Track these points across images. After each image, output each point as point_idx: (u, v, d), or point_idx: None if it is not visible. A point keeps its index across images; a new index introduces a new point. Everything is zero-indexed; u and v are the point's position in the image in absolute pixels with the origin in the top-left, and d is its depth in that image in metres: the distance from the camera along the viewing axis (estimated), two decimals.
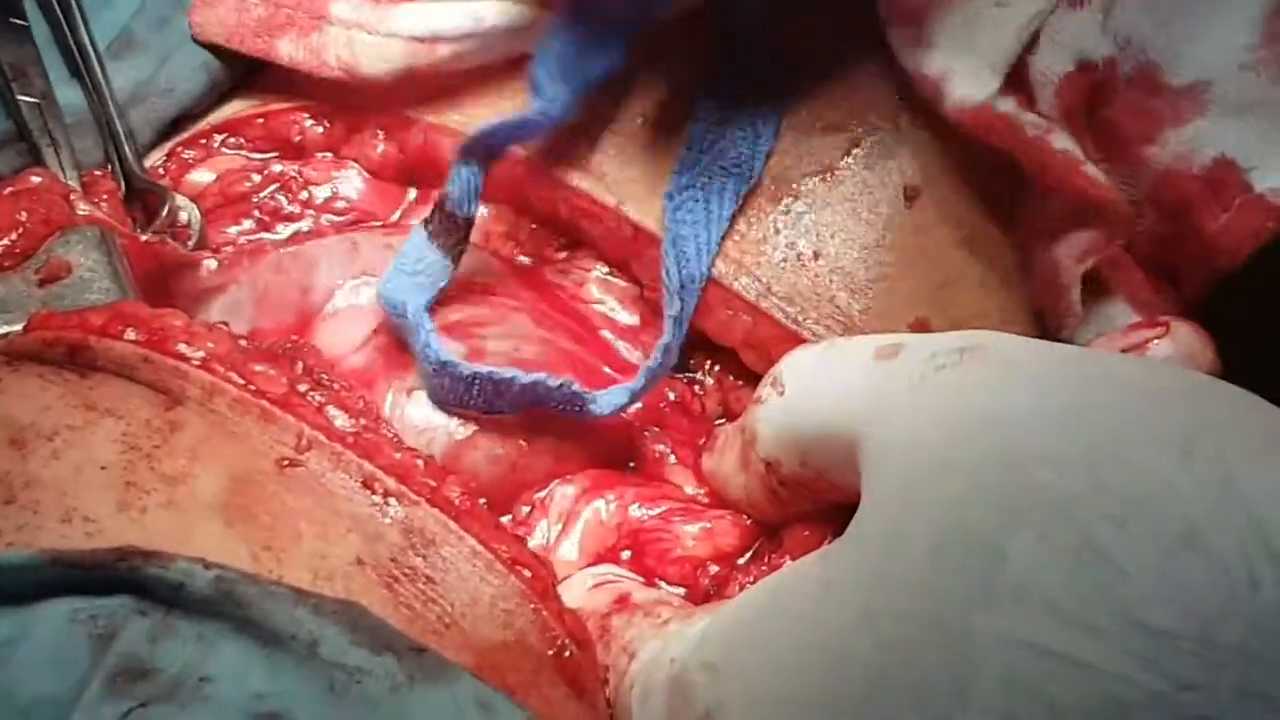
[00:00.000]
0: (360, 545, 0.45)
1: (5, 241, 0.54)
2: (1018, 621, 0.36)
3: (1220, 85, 0.54)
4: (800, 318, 0.58)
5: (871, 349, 0.47)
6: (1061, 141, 0.55)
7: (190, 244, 0.60)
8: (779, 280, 0.58)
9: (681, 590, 0.54)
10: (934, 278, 0.58)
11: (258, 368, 0.48)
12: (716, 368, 0.62)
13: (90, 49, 0.62)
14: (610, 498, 0.56)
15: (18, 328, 0.50)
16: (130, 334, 0.48)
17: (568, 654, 0.47)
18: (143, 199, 0.61)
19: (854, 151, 0.60)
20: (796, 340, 0.57)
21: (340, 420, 0.48)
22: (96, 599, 0.41)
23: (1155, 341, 0.53)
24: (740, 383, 0.61)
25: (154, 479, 0.45)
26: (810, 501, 0.52)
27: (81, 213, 0.55)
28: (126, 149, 0.61)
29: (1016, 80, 0.56)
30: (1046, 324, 0.59)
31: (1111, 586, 0.35)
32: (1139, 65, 0.55)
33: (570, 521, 0.55)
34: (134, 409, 0.47)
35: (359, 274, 0.60)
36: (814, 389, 0.49)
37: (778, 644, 0.41)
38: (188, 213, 0.60)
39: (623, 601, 0.50)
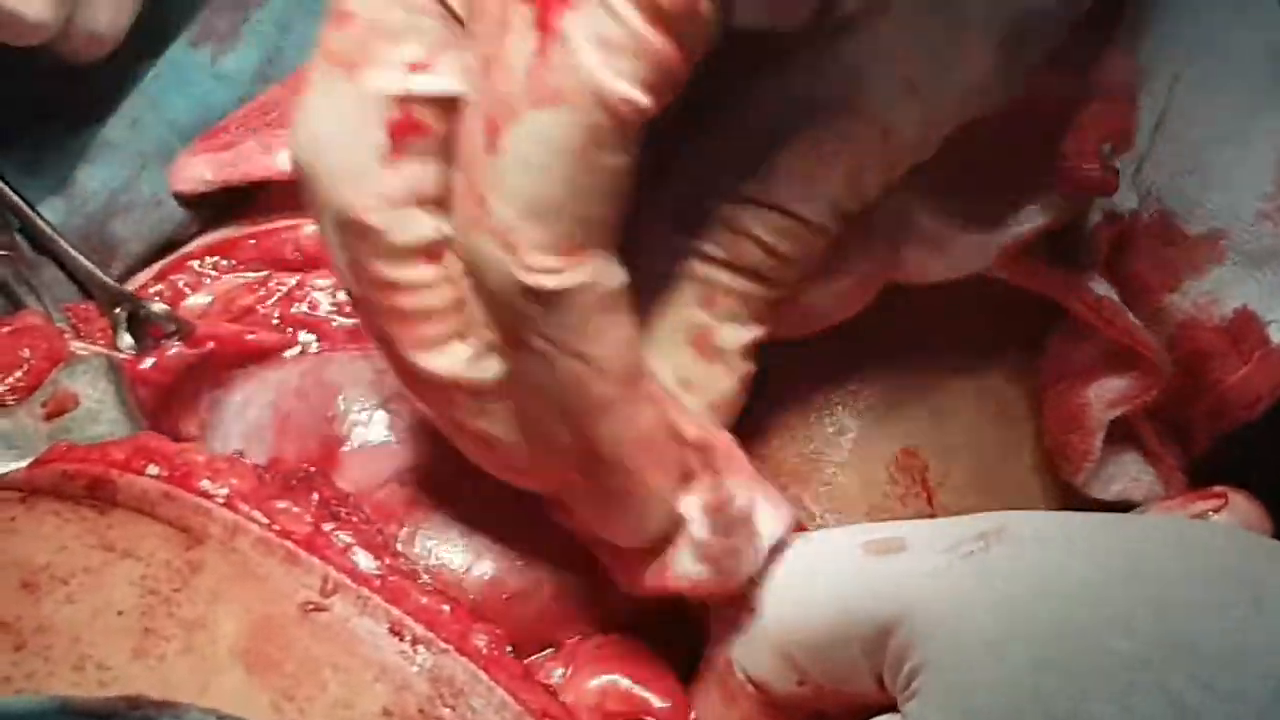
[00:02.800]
0: (387, 695, 0.43)
1: (10, 379, 0.53)
2: None
3: (1237, 234, 0.54)
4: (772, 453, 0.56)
5: (856, 546, 0.44)
6: (1100, 288, 0.54)
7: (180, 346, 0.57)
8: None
9: None
10: (927, 405, 0.57)
11: (280, 505, 0.46)
12: None
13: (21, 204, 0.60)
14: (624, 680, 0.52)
15: (24, 464, 0.49)
16: (152, 469, 0.46)
17: None
18: (135, 320, 0.59)
19: None
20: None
21: (365, 562, 0.46)
22: None
23: (1213, 514, 0.51)
24: None
25: (173, 625, 0.44)
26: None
27: (80, 351, 0.55)
28: (97, 277, 0.59)
29: None
30: (1060, 465, 0.57)
31: None
32: (1158, 214, 0.55)
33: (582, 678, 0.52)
34: (154, 549, 0.45)
35: (382, 403, 0.58)
36: (798, 602, 0.45)
37: None
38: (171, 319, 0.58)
39: None
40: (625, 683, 0.50)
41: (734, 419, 0.49)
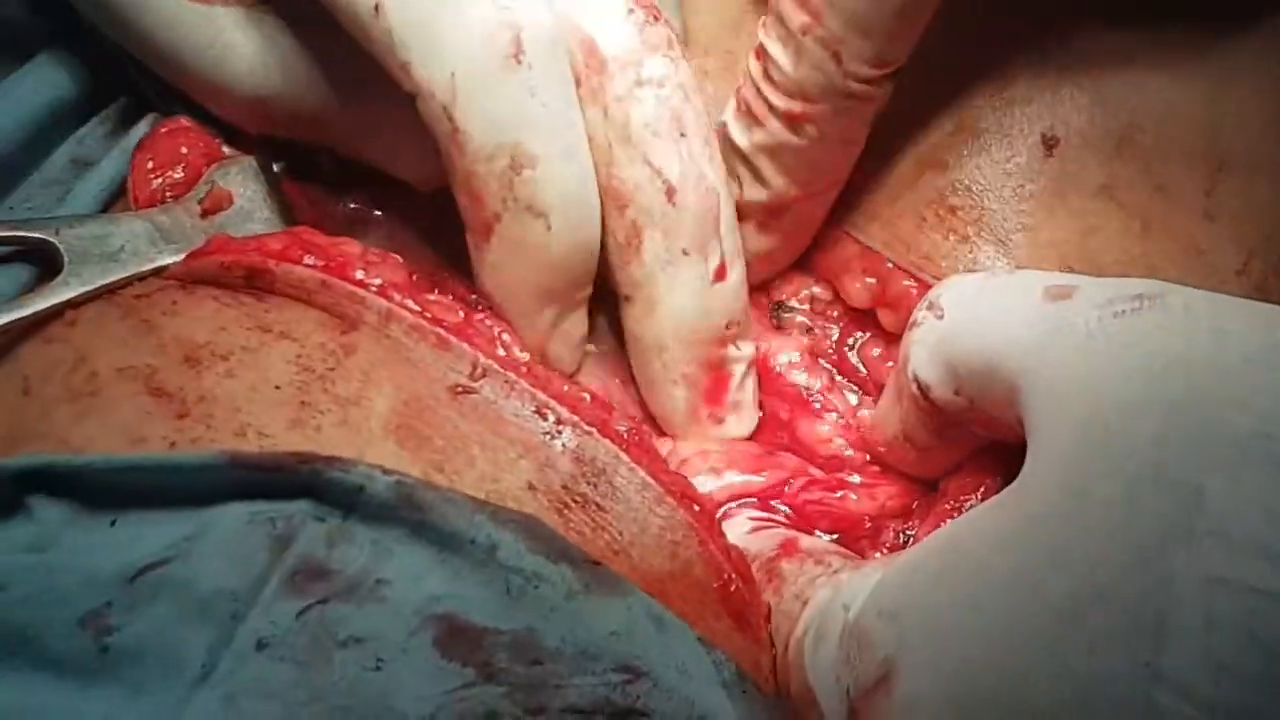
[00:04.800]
0: (532, 471, 0.45)
1: (171, 175, 0.55)
2: (1219, 560, 0.35)
3: None
4: (936, 275, 0.56)
5: (1040, 286, 0.45)
6: None
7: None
8: (915, 237, 0.57)
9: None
10: (1076, 227, 0.57)
11: (432, 296, 0.48)
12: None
13: None
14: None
15: (182, 258, 0.50)
16: (308, 259, 0.48)
17: (733, 588, 0.46)
18: None
19: (992, 101, 0.58)
20: None
21: (512, 350, 0.48)
22: (274, 502, 0.41)
23: None
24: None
25: (328, 399, 0.45)
26: (960, 438, 0.51)
27: (232, 153, 0.56)
28: None
29: None
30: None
31: None
32: None
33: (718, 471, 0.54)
34: (309, 332, 0.47)
35: None
36: (976, 318, 0.47)
37: (960, 592, 0.40)
38: None
39: (790, 547, 0.49)
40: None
41: None
